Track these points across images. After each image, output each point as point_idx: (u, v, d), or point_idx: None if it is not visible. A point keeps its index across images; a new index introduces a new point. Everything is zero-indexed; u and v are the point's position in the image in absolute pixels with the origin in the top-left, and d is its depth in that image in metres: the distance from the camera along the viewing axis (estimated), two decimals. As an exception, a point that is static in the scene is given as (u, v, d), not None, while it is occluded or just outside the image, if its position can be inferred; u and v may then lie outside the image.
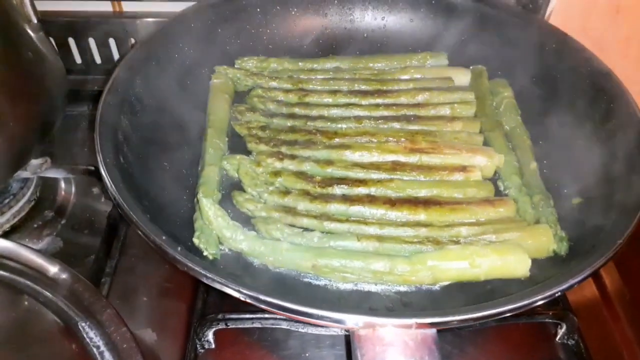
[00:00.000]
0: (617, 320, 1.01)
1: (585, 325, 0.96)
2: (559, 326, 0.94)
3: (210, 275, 0.68)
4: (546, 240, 0.89)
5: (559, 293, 0.71)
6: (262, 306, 0.68)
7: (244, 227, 0.91)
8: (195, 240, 0.87)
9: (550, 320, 0.94)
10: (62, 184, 1.19)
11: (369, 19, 1.30)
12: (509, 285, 0.86)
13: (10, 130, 0.93)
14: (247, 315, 0.88)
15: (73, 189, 1.18)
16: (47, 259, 0.90)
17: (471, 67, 1.22)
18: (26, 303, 0.87)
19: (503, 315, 0.70)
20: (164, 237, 0.74)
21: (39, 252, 0.91)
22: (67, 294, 0.88)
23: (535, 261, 0.87)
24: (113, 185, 0.79)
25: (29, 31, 0.99)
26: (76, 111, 1.34)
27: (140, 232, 0.75)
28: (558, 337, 0.95)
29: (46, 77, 1.00)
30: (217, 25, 1.21)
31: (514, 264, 0.85)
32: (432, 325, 0.68)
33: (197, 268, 0.70)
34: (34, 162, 1.07)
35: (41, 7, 1.05)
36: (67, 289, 0.88)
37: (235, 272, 0.87)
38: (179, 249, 0.73)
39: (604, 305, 1.03)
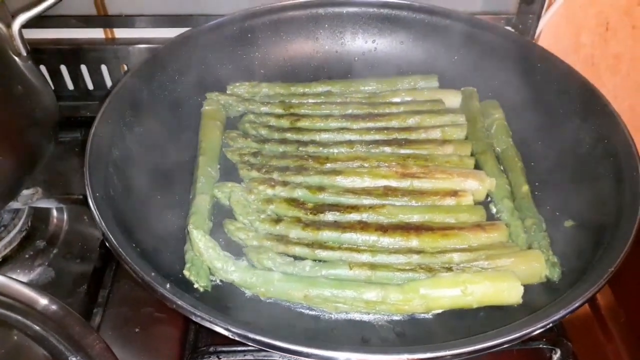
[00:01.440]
0: (612, 343, 1.00)
1: (580, 348, 0.96)
2: (554, 351, 0.93)
3: (198, 314, 0.68)
4: (538, 266, 0.89)
5: (551, 324, 0.71)
6: (251, 344, 0.67)
7: (236, 257, 0.91)
8: (186, 273, 0.86)
9: (545, 346, 0.93)
10: (55, 212, 1.18)
11: (360, 42, 1.31)
12: (502, 312, 0.86)
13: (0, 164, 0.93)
14: (240, 348, 0.87)
15: (65, 217, 1.18)
16: (37, 291, 0.90)
17: (462, 89, 1.22)
18: (15, 338, 0.86)
19: (496, 349, 0.69)
20: (152, 274, 0.73)
21: (28, 284, 0.90)
22: (57, 328, 0.87)
23: (527, 287, 0.87)
24: (102, 221, 0.79)
25: (19, 64, 0.99)
26: (69, 137, 1.33)
27: (128, 269, 0.74)
28: (553, 362, 0.94)
29: (36, 109, 1.00)
30: (208, 52, 1.21)
31: (507, 291, 0.85)
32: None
33: (185, 306, 0.69)
34: (25, 192, 1.07)
35: (33, 35, 1.06)
36: (57, 323, 0.87)
37: (226, 304, 0.86)
38: (168, 286, 0.72)
39: (599, 327, 1.03)
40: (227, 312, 0.85)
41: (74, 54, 1.35)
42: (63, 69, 1.37)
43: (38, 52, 1.33)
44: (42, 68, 1.35)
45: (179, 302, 0.70)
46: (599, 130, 1.02)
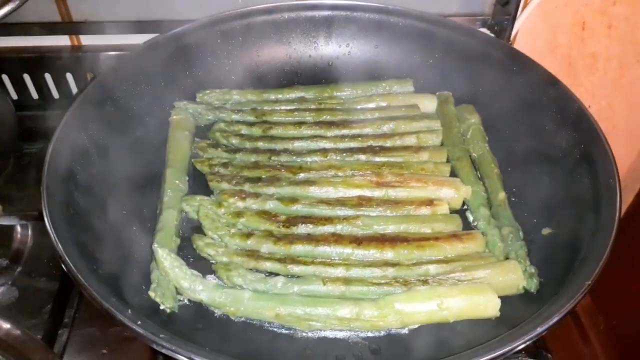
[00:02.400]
0: (592, 351, 0.99)
1: (560, 356, 0.94)
2: (533, 363, 0.91)
3: (159, 342, 0.65)
4: (516, 277, 0.87)
5: (530, 341, 0.69)
6: (216, 373, 0.64)
7: (205, 275, 0.87)
8: (151, 294, 0.83)
9: (524, 359, 0.91)
10: (18, 229, 1.13)
11: (334, 46, 1.28)
12: (479, 325, 0.84)
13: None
14: (210, 369, 0.84)
15: (30, 233, 1.13)
16: (-2, 317, 0.86)
17: (437, 93, 1.20)
18: (-26, 366, 0.82)
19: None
20: (112, 300, 0.70)
21: (-13, 311, 0.86)
22: (18, 355, 0.83)
23: (505, 298, 0.85)
24: (59, 243, 0.75)
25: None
26: (34, 148, 1.29)
27: (86, 294, 0.70)
28: (533, 373, 0.92)
29: (-8, 124, 0.96)
30: (176, 58, 1.18)
31: (483, 305, 0.83)
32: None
33: (146, 335, 0.66)
34: (-16, 210, 1.02)
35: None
36: (19, 350, 0.83)
37: (195, 326, 0.83)
38: (129, 311, 0.69)
39: (579, 335, 1.01)
40: (196, 334, 0.81)
41: (37, 62, 1.30)
42: (27, 77, 1.32)
43: (-1, 61, 1.29)
44: (4, 77, 1.30)
45: (139, 331, 0.66)
46: (575, 136, 1.00)
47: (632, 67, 1.49)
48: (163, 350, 0.65)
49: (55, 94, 1.34)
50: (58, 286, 1.03)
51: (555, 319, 0.70)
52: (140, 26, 1.28)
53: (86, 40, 1.33)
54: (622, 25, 1.41)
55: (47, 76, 1.31)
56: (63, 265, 0.74)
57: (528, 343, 0.69)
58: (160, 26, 1.27)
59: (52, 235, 0.76)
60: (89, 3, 1.26)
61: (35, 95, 1.34)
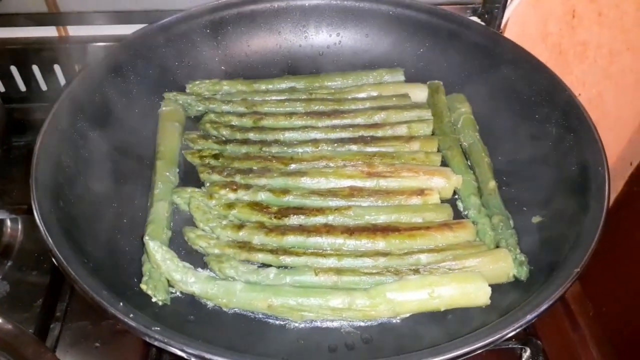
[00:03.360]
0: (581, 337, 1.00)
1: (550, 344, 0.95)
2: (523, 350, 0.92)
3: (151, 334, 0.65)
4: (506, 265, 0.87)
5: (520, 329, 0.70)
6: (209, 365, 0.64)
7: (197, 268, 0.87)
8: (143, 286, 0.83)
9: (515, 346, 0.92)
10: (8, 223, 1.13)
11: (324, 36, 1.27)
12: (471, 313, 0.84)
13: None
14: (203, 362, 0.84)
15: (20, 227, 1.13)
16: (-12, 311, 0.85)
17: (428, 83, 1.20)
18: (-35, 360, 0.82)
19: (464, 357, 0.68)
20: (103, 293, 0.69)
21: (-22, 304, 0.86)
22: (9, 349, 0.83)
23: (495, 286, 0.86)
24: (49, 236, 0.75)
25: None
26: (22, 141, 1.28)
27: (77, 288, 0.70)
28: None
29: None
30: (165, 49, 1.16)
31: (474, 293, 0.83)
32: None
33: (138, 327, 0.66)
34: (-27, 204, 1.01)
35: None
36: (10, 343, 0.83)
37: (187, 318, 0.83)
38: (120, 304, 0.68)
39: (568, 322, 1.02)
40: (188, 325, 0.81)
41: (24, 54, 1.28)
42: (14, 69, 1.30)
43: (-15, 52, 1.27)
44: (-9, 69, 1.29)
45: (131, 323, 0.66)
46: (564, 124, 1.01)
47: (621, 55, 1.50)
48: (155, 343, 0.66)
49: (43, 86, 1.33)
50: (49, 280, 1.03)
51: (545, 306, 0.71)
52: (128, 16, 1.27)
53: (73, 31, 1.32)
54: (612, 12, 1.41)
55: (35, 68, 1.30)
56: (53, 259, 0.74)
57: (518, 330, 0.70)
58: (148, 16, 1.26)
59: (41, 228, 0.76)
60: (75, -7, 1.25)
61: (22, 87, 1.33)
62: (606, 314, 1.02)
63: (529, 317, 0.70)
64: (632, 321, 1.08)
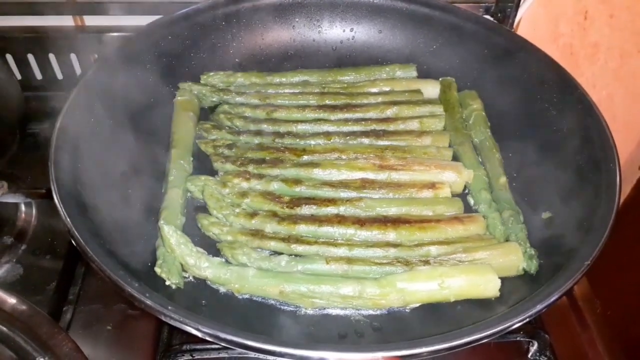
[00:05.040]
0: (588, 333, 1.01)
1: (557, 339, 0.96)
2: (531, 343, 0.93)
3: (167, 313, 0.66)
4: (516, 258, 0.88)
5: (528, 319, 0.70)
6: (223, 344, 0.65)
7: (210, 253, 0.88)
8: (157, 270, 0.84)
9: (522, 339, 0.93)
10: (23, 207, 1.14)
11: (338, 31, 1.28)
12: (480, 305, 0.85)
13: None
14: (214, 346, 0.85)
15: (34, 212, 1.14)
16: (4, 291, 0.86)
17: (440, 79, 1.21)
18: (-20, 339, 0.83)
19: (472, 345, 0.69)
20: (120, 272, 0.71)
21: (-6, 284, 0.87)
22: (24, 328, 0.84)
23: (505, 279, 0.86)
24: (68, 217, 0.76)
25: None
26: (37, 129, 1.29)
27: (95, 267, 0.71)
28: (530, 354, 0.94)
29: (-1, 102, 0.96)
30: (181, 40, 1.18)
31: (484, 284, 0.84)
32: (399, 357, 0.66)
33: (154, 306, 0.67)
34: (-10, 187, 1.03)
35: (-2, 22, 1.01)
36: (25, 323, 0.84)
37: (200, 302, 0.84)
38: (136, 284, 0.70)
39: (576, 318, 1.03)
40: (200, 310, 0.83)
41: (41, 42, 1.30)
42: (30, 58, 1.32)
43: (3, 40, 1.28)
44: (8, 57, 1.30)
45: (148, 302, 0.67)
46: (576, 121, 1.01)
47: (632, 57, 1.50)
48: (171, 322, 0.67)
49: (59, 74, 1.35)
50: (62, 264, 1.04)
51: (554, 297, 0.72)
52: (144, 7, 1.28)
53: (90, 21, 1.33)
54: (624, 14, 1.42)
55: (51, 56, 1.31)
56: (72, 239, 0.75)
57: (527, 320, 0.71)
58: (164, 7, 1.27)
59: (60, 210, 0.77)
60: (93, -17, 1.27)
61: (39, 75, 1.35)
62: (613, 314, 1.02)
63: (539, 306, 0.71)
64: (638, 322, 1.09)
